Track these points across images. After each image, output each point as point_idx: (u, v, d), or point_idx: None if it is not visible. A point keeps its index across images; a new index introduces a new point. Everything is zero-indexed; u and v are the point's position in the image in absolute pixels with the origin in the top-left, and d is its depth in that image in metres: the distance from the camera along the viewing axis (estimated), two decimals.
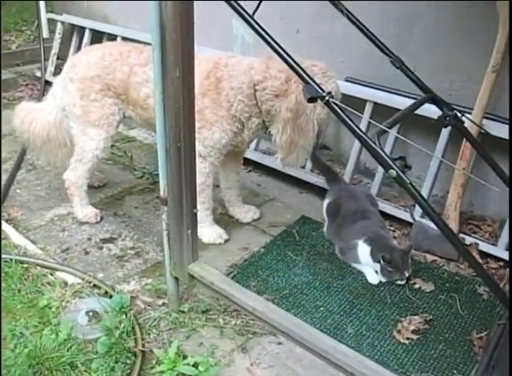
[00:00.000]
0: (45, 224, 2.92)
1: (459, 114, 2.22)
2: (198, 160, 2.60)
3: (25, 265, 2.52)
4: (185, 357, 2.06)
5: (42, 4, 4.73)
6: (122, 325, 2.16)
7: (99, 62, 2.70)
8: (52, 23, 4.89)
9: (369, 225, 2.66)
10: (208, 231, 2.79)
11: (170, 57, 1.70)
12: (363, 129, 3.05)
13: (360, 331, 2.25)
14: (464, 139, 2.64)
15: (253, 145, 3.57)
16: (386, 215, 2.90)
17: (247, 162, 3.53)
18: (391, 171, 1.80)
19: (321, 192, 3.21)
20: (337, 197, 2.83)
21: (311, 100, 1.82)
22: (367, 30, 2.28)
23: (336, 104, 1.83)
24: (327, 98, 1.82)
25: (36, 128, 2.91)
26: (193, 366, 2.00)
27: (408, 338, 2.22)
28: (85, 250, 2.72)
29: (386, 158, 1.81)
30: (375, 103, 3.05)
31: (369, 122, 3.03)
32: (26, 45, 5.22)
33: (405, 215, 2.94)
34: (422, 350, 2.17)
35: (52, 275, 2.49)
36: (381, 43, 2.28)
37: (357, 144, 3.17)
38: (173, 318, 2.28)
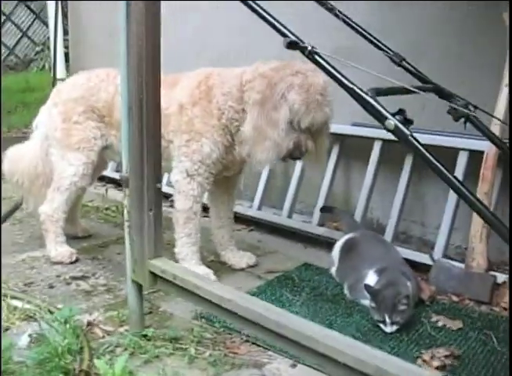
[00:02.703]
0: (15, 263, 2.59)
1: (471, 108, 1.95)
2: (185, 180, 2.35)
3: None
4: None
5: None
6: (66, 341, 1.74)
7: (84, 83, 2.59)
8: None
9: (386, 257, 2.30)
10: (194, 270, 2.41)
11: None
12: (373, 171, 2.86)
13: None
14: (483, 162, 2.34)
15: (256, 204, 3.29)
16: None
17: (249, 222, 3.22)
18: (388, 121, 1.51)
19: (328, 245, 2.84)
20: (357, 235, 2.51)
21: (291, 46, 1.59)
22: (362, 29, 2.14)
23: (319, 56, 1.61)
24: (309, 48, 1.60)
25: (24, 165, 2.72)
26: None
27: None
28: (51, 284, 2.38)
29: (380, 109, 1.53)
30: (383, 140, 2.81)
31: (379, 163, 2.80)
32: None
33: (425, 259, 2.52)
34: None
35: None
36: (377, 40, 2.12)
37: (363, 197, 2.87)
38: (132, 342, 1.84)
